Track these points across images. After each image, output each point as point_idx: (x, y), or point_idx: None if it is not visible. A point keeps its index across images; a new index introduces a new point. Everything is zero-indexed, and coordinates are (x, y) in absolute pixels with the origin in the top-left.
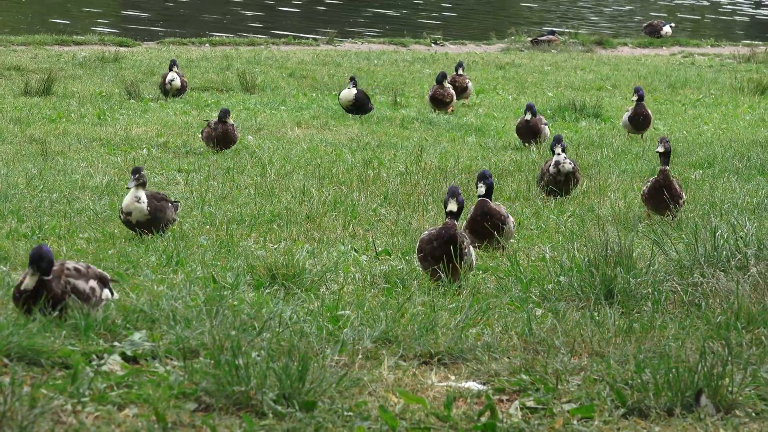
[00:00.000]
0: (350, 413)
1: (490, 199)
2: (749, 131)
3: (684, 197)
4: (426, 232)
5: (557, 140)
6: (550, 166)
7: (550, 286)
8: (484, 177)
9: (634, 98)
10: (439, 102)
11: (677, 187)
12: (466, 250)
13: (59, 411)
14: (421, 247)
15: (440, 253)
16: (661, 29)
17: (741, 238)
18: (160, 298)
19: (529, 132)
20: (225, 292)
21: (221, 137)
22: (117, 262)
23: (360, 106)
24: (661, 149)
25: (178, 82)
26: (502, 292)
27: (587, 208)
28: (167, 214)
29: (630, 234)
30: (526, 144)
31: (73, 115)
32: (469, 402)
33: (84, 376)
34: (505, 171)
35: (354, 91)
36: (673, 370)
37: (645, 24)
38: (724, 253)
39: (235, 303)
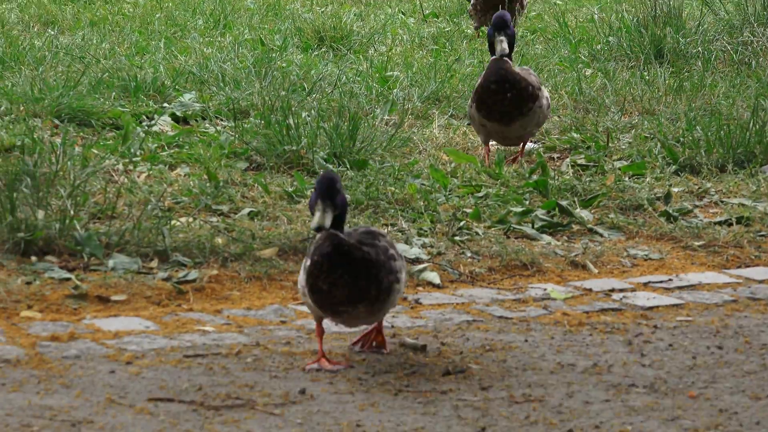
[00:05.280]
0: (401, 172)
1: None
2: None
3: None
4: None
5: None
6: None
7: (599, 47)
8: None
9: None
10: None
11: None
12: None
13: (111, 170)
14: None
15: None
16: None
17: None
18: (209, 60)
19: None
20: (273, 54)
21: None
22: (165, 25)
23: None
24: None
25: None
26: (551, 53)
27: None
28: None
29: None
30: None
31: None
32: (521, 160)
33: (135, 137)
34: None
35: None
36: (725, 127)
37: None
38: None
39: (284, 65)
